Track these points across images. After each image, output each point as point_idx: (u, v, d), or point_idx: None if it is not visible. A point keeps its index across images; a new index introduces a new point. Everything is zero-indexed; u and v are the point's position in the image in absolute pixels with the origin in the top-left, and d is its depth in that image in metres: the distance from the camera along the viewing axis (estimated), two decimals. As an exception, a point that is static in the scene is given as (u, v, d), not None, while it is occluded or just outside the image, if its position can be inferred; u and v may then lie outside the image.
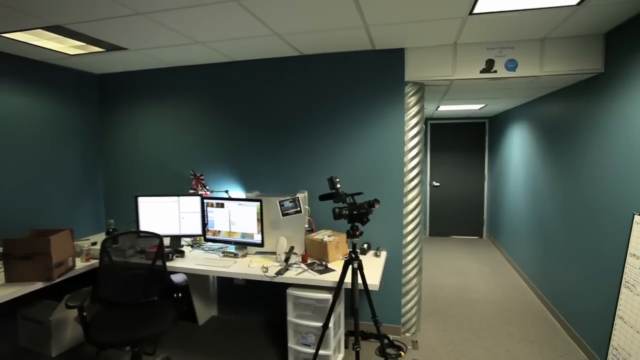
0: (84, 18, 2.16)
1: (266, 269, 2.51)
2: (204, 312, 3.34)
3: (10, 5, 1.95)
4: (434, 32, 2.52)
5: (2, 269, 2.31)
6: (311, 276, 2.43)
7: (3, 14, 2.07)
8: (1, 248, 2.35)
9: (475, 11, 2.09)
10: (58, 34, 2.41)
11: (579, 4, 1.94)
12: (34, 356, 2.70)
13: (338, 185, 2.25)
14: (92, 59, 3.05)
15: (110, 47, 2.74)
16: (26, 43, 2.58)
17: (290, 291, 2.48)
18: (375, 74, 2.96)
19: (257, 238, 2.82)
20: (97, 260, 2.52)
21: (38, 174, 2.85)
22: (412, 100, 2.92)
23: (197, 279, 3.10)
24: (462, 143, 6.41)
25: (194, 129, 3.47)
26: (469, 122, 6.35)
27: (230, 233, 2.91)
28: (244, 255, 2.85)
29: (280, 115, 3.20)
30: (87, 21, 2.21)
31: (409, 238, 3.01)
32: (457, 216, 6.51)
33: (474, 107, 5.19)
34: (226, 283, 3.42)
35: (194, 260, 2.75)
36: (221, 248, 2.99)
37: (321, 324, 2.29)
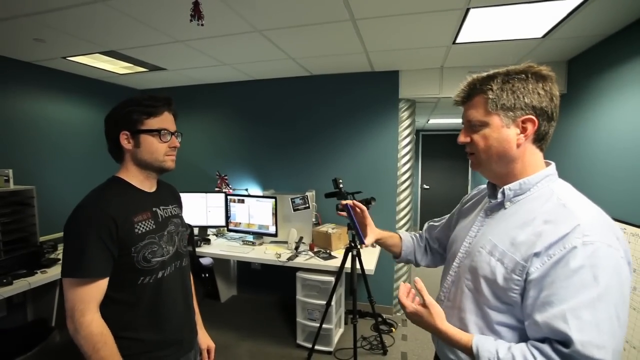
0: (134, 44, 2.29)
1: (279, 255, 2.57)
2: (225, 291, 3.42)
3: (76, 35, 2.10)
4: (423, 58, 2.60)
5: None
6: (317, 262, 2.48)
7: (70, 42, 2.21)
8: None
9: (457, 41, 2.18)
10: (112, 57, 2.54)
11: (543, 37, 2.05)
12: None
13: (341, 185, 2.28)
14: (136, 77, 3.16)
15: (153, 68, 2.86)
16: (85, 65, 2.71)
17: (299, 274, 2.53)
18: (374, 91, 3.02)
19: (272, 229, 2.87)
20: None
21: (93, 173, 2.98)
22: (405, 114, 3.00)
23: (220, 263, 3.17)
24: (449, 152, 6.45)
25: (220, 137, 3.56)
26: (456, 133, 6.38)
27: (249, 225, 2.96)
28: (261, 244, 2.91)
29: (292, 125, 3.27)
30: (136, 47, 2.33)
31: (401, 232, 3.08)
32: (444, 214, 6.54)
33: (458, 120, 5.25)
34: (245, 267, 3.50)
35: (218, 247, 2.81)
36: (241, 237, 3.03)
37: (325, 302, 2.35)
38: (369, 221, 1.10)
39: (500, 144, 0.75)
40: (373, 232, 1.11)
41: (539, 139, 0.76)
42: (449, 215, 1.13)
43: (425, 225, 1.19)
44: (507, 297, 0.71)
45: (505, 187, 0.78)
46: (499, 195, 0.79)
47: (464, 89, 0.79)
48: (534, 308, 0.67)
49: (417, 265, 1.17)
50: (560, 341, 0.63)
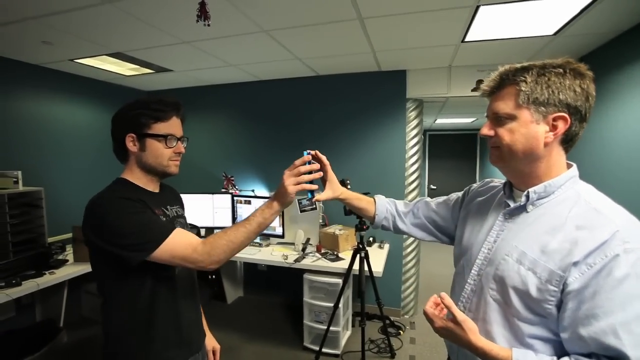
0: (140, 46, 2.29)
1: (286, 257, 2.57)
2: (232, 292, 3.42)
3: (83, 37, 2.11)
4: (431, 57, 2.57)
5: (72, 251, 2.47)
6: (324, 263, 2.47)
7: (77, 44, 2.23)
8: (71, 234, 2.52)
9: (466, 39, 2.15)
10: (118, 59, 2.56)
11: (555, 34, 2.01)
12: (94, 323, 2.84)
13: (349, 186, 2.26)
14: (143, 79, 3.18)
15: (159, 69, 2.87)
16: (92, 67, 2.73)
17: (306, 276, 2.52)
18: (381, 91, 3.00)
19: (279, 230, 2.87)
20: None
21: (100, 175, 3.00)
22: (412, 114, 2.98)
23: (226, 264, 3.16)
24: (456, 152, 6.41)
25: (227, 138, 3.56)
26: (463, 133, 6.35)
27: (255, 226, 2.98)
28: (267, 245, 2.92)
29: (299, 126, 3.27)
30: (143, 48, 2.34)
31: (409, 233, 3.05)
32: (452, 216, 6.50)
33: (466, 120, 5.21)
34: (251, 268, 3.49)
35: (225, 248, 2.84)
36: (248, 239, 3.06)
37: (332, 304, 2.34)
38: (331, 177, 1.03)
39: (527, 140, 0.71)
40: (332, 190, 1.04)
41: (568, 140, 0.72)
42: (451, 201, 1.04)
43: (419, 201, 1.11)
44: (541, 309, 0.68)
45: (530, 190, 0.74)
46: (523, 198, 0.75)
47: (495, 79, 0.75)
48: (576, 321, 0.63)
49: (395, 232, 1.12)
50: (611, 357, 0.60)
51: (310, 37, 2.17)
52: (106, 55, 2.45)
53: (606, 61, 2.16)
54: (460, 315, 0.74)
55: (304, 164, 0.90)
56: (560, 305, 0.66)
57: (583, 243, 0.64)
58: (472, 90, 2.76)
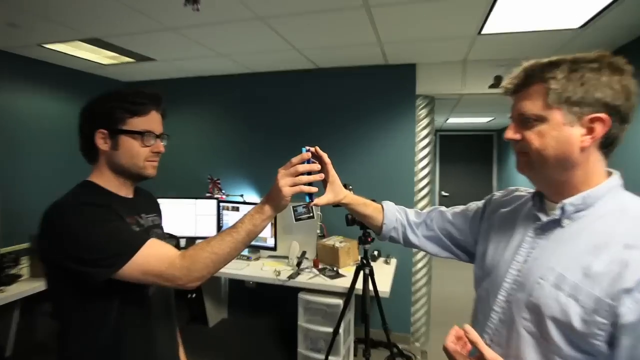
0: (120, 32, 2.29)
1: (278, 273, 2.53)
2: (214, 314, 3.37)
3: (53, 19, 2.10)
4: (444, 50, 2.60)
5: (29, 265, 2.39)
6: (322, 281, 2.44)
7: (47, 27, 2.21)
8: (28, 244, 2.46)
9: (483, 32, 2.18)
10: (95, 46, 2.55)
11: (582, 27, 2.04)
12: (50, 352, 2.71)
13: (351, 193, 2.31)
14: (122, 68, 3.17)
15: (140, 58, 2.86)
16: (65, 53, 2.72)
17: (302, 295, 2.49)
18: (388, 87, 3.02)
19: (270, 242, 2.83)
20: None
21: (67, 177, 2.95)
22: (422, 112, 3.00)
23: (209, 281, 3.11)
24: (470, 155, 6.43)
25: (213, 136, 3.56)
26: (478, 134, 6.38)
27: (244, 237, 2.96)
28: (257, 259, 2.88)
29: (294, 124, 3.27)
30: (122, 34, 2.34)
31: (418, 247, 3.04)
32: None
33: (482, 119, 5.25)
34: (237, 285, 3.44)
35: (209, 262, 2.81)
36: (235, 251, 3.02)
37: (331, 330, 2.29)
38: (332, 178, 0.99)
39: (559, 145, 0.69)
40: (334, 193, 0.99)
41: (607, 144, 0.70)
42: (470, 211, 1.02)
43: (433, 210, 1.09)
44: (587, 345, 0.64)
45: (566, 201, 0.71)
46: (557, 211, 0.73)
47: (519, 76, 0.73)
48: None
49: (405, 244, 1.10)
50: None
51: (310, 26, 2.18)
52: (80, 40, 2.44)
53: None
54: (490, 354, 0.70)
55: (303, 162, 0.88)
56: (611, 341, 0.62)
57: (636, 266, 0.60)
58: (490, 87, 2.77)
